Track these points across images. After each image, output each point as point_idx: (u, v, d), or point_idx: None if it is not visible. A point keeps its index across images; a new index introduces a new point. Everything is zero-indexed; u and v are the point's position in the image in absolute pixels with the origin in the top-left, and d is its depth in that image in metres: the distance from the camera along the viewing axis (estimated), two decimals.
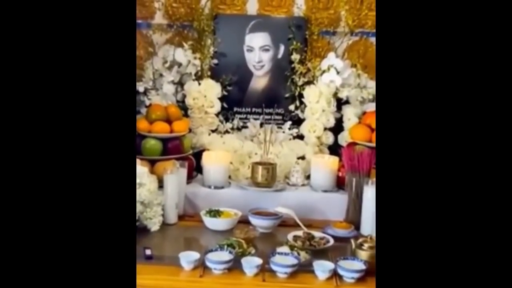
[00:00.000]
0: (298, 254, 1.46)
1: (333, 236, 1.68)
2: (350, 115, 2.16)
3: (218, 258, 1.39)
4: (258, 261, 1.39)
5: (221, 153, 2.02)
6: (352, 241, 1.51)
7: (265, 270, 1.39)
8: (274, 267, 1.38)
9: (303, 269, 1.40)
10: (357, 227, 1.78)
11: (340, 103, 2.19)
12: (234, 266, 1.39)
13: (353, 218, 1.82)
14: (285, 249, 1.48)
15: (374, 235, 1.65)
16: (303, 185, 2.03)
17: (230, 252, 1.43)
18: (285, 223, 1.81)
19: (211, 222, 1.74)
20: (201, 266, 1.39)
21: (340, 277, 1.37)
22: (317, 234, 1.68)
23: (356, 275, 1.35)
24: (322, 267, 1.38)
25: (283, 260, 1.40)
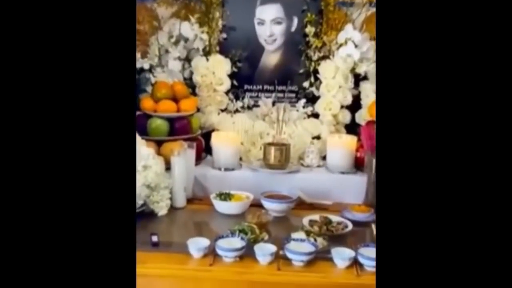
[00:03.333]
0: (315, 240, 1.36)
1: (351, 221, 1.57)
2: (368, 91, 2.03)
3: (229, 245, 1.29)
4: (272, 248, 1.29)
5: (231, 134, 1.91)
6: (373, 226, 1.40)
7: (279, 257, 1.29)
8: (289, 255, 1.27)
9: (320, 256, 1.30)
10: None
11: (358, 79, 2.06)
12: (247, 254, 1.29)
13: (373, 201, 1.70)
14: (300, 235, 1.38)
15: None
16: (318, 166, 1.92)
17: (242, 239, 1.33)
18: (300, 206, 1.71)
19: (221, 206, 1.64)
20: (211, 254, 1.29)
21: (361, 265, 1.26)
22: (334, 218, 1.57)
23: None
24: (342, 255, 1.27)
25: (299, 247, 1.30)
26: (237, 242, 1.31)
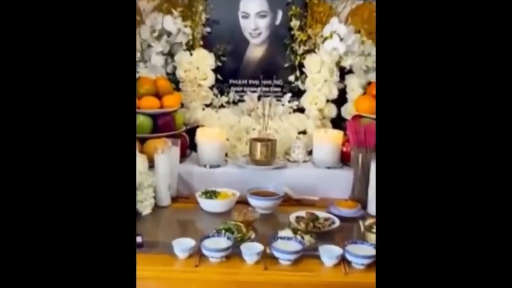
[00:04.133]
0: (302, 238, 1.34)
1: (338, 216, 1.56)
2: (354, 85, 2.03)
3: (215, 245, 1.27)
4: (259, 247, 1.27)
5: (217, 129, 1.88)
6: (361, 222, 1.39)
7: (266, 256, 1.27)
8: (276, 254, 1.26)
9: (308, 254, 1.28)
10: (364, 206, 1.66)
11: (343, 72, 2.05)
12: (233, 253, 1.27)
13: (359, 196, 1.70)
14: (287, 232, 1.36)
15: None
16: (304, 161, 1.91)
17: (228, 238, 1.31)
18: (287, 203, 1.70)
19: (207, 204, 1.61)
20: (197, 254, 1.27)
21: (349, 263, 1.25)
22: (321, 214, 1.56)
23: (367, 261, 1.23)
24: (329, 253, 1.26)
25: (286, 245, 1.28)
26: (223, 241, 1.29)
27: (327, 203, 1.68)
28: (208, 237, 1.31)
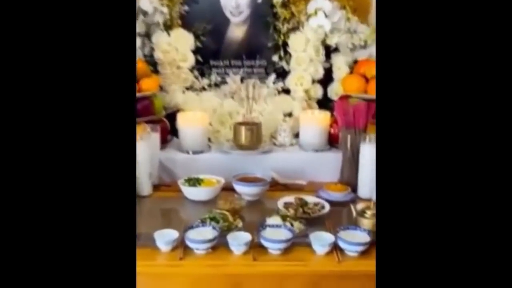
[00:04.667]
0: (292, 225, 1.28)
1: (328, 201, 1.50)
2: (340, 64, 1.95)
3: (200, 236, 1.19)
4: (247, 237, 1.21)
5: (198, 114, 1.79)
6: (352, 207, 1.33)
7: (255, 246, 1.20)
8: (265, 243, 1.19)
9: (298, 242, 1.22)
10: (354, 189, 1.60)
11: (329, 51, 1.97)
12: (220, 244, 1.20)
13: (349, 179, 1.65)
14: (276, 220, 1.29)
15: (374, 198, 1.49)
16: (291, 145, 1.84)
17: (214, 228, 1.24)
18: (274, 188, 1.63)
19: (190, 192, 1.53)
20: (181, 246, 1.20)
21: (342, 250, 1.19)
22: (310, 199, 1.50)
23: (360, 248, 1.18)
24: (321, 241, 1.20)
25: (275, 234, 1.22)
26: (208, 232, 1.22)
27: (316, 187, 1.62)
28: (192, 227, 1.24)
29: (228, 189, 1.57)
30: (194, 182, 1.55)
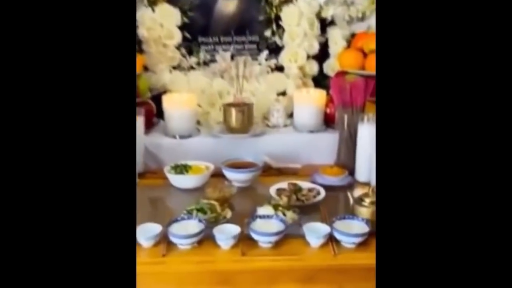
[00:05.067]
0: (284, 214, 1.19)
1: (323, 186, 1.41)
2: (337, 38, 1.84)
3: (185, 230, 1.11)
4: (235, 229, 1.12)
5: (185, 95, 1.68)
6: (349, 194, 1.24)
7: (244, 239, 1.12)
8: (255, 236, 1.10)
9: (291, 233, 1.13)
10: (351, 171, 1.51)
11: (325, 24, 1.85)
12: (207, 237, 1.12)
13: (346, 161, 1.55)
14: (267, 209, 1.20)
15: (373, 182, 1.40)
16: (285, 126, 1.74)
17: (200, 221, 1.15)
18: (267, 173, 1.54)
19: (177, 180, 1.44)
20: (164, 241, 1.11)
21: (338, 242, 1.11)
22: (304, 184, 1.41)
23: (358, 240, 1.09)
24: (315, 232, 1.11)
25: (266, 225, 1.13)
26: (193, 225, 1.13)
27: (311, 170, 1.53)
28: (177, 220, 1.15)
29: (218, 175, 1.48)
30: (181, 169, 1.45)
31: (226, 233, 1.10)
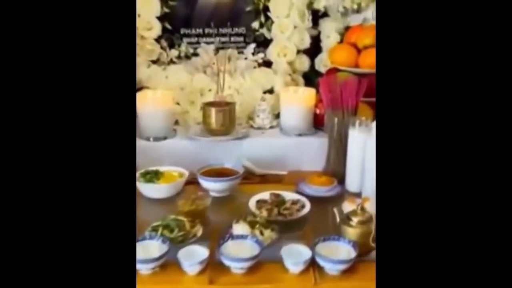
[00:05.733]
0: (262, 233, 1.05)
1: (309, 197, 1.28)
2: (329, 31, 1.72)
3: (145, 253, 0.97)
4: (203, 253, 0.98)
5: (161, 92, 1.53)
6: (336, 211, 1.10)
7: (214, 263, 0.98)
8: (226, 262, 0.97)
9: (267, 257, 1.00)
10: (341, 180, 1.37)
11: (317, 16, 1.72)
12: (171, 259, 0.98)
13: (335, 168, 1.41)
14: (242, 227, 1.07)
15: (365, 193, 1.27)
16: (271, 127, 1.59)
17: (164, 241, 1.01)
18: (248, 180, 1.40)
19: (146, 189, 1.30)
20: None
21: (321, 268, 0.97)
22: (288, 195, 1.28)
23: (343, 266, 0.95)
24: (295, 257, 0.97)
25: (239, 248, 0.99)
26: (156, 247, 0.99)
27: (297, 178, 1.39)
28: (137, 240, 1.01)
29: (195, 182, 1.34)
30: (152, 176, 1.31)
31: (192, 257, 0.96)
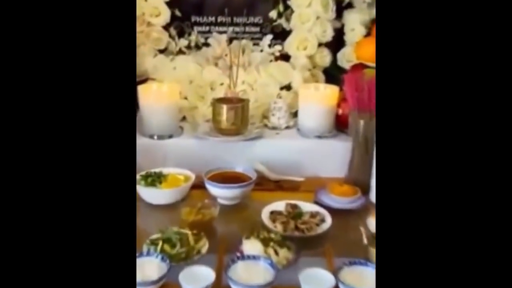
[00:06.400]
0: (276, 253, 0.91)
1: (330, 208, 1.14)
2: (354, 23, 1.60)
3: (142, 275, 0.83)
4: (208, 276, 0.84)
5: (167, 86, 1.40)
6: (363, 231, 0.95)
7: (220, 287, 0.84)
8: (233, 287, 0.83)
9: (283, 279, 0.86)
10: (365, 190, 1.22)
11: (341, 7, 1.61)
12: (173, 278, 0.85)
13: (359, 176, 1.27)
14: (254, 245, 0.93)
15: None
16: (287, 127, 1.45)
17: (163, 259, 0.87)
18: (262, 187, 1.26)
19: (148, 194, 1.16)
20: None
21: None
22: (306, 206, 1.14)
23: None
24: (315, 285, 0.82)
25: (250, 270, 0.86)
26: (154, 266, 0.86)
27: (316, 185, 1.25)
28: None
29: (201, 186, 1.21)
30: (154, 179, 1.17)
31: (197, 280, 0.83)
